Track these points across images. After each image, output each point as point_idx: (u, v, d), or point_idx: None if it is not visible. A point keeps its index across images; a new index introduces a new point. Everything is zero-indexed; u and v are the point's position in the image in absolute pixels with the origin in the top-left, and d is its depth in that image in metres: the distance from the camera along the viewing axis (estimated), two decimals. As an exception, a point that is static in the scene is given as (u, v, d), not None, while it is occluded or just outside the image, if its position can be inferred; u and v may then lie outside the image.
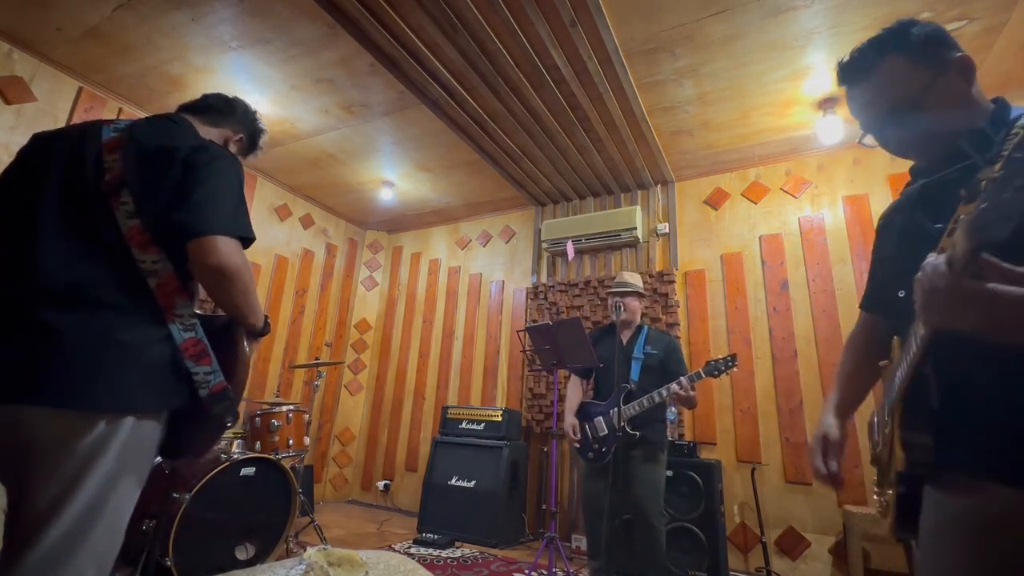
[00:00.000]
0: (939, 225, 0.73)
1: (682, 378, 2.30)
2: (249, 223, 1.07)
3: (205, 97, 1.31)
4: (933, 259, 0.63)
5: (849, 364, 1.11)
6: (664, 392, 2.32)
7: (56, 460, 0.87)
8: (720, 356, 2.35)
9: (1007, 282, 0.56)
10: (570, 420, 2.56)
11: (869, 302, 1.11)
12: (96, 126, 1.09)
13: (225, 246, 0.98)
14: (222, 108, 1.30)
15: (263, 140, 1.41)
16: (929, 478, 0.78)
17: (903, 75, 0.86)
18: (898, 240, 0.94)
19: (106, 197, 0.99)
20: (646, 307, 3.72)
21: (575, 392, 2.70)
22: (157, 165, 1.02)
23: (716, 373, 2.32)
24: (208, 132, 1.24)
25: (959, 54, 0.85)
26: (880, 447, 0.88)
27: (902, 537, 0.87)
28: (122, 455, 0.92)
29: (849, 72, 0.94)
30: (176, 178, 1.01)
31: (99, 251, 0.97)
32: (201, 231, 0.97)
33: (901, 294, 0.83)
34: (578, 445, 2.49)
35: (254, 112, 1.38)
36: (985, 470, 0.70)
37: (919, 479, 0.79)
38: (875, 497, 0.95)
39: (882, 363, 0.91)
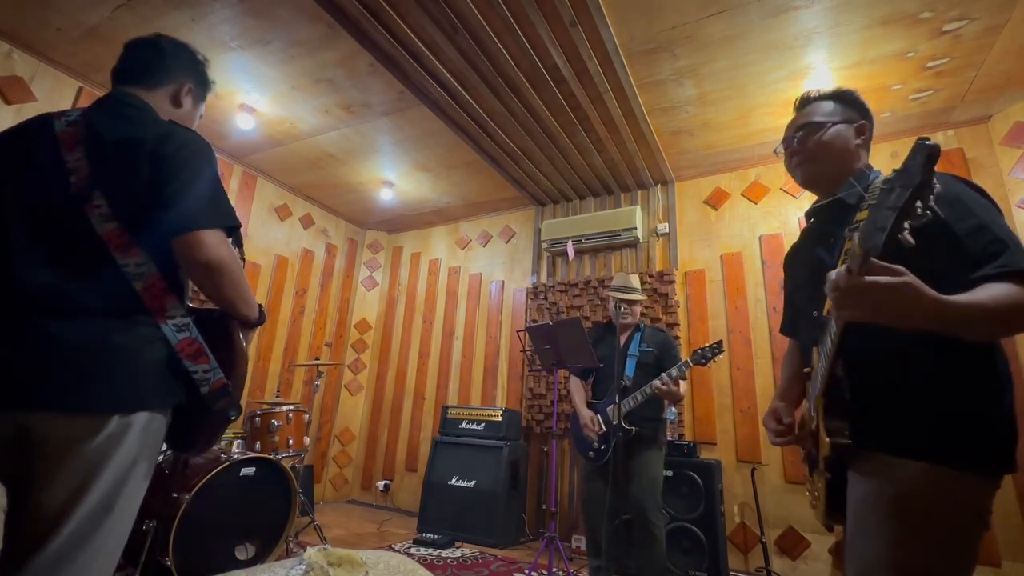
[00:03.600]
0: (833, 258, 1.04)
1: (663, 374, 2.36)
2: (231, 209, 1.02)
3: (130, 52, 1.15)
4: (837, 270, 0.81)
5: (783, 380, 1.32)
6: (648, 389, 2.38)
7: (65, 463, 0.87)
8: (706, 344, 2.41)
9: (884, 269, 0.76)
10: (587, 412, 2.56)
11: (787, 328, 1.34)
12: (46, 120, 1.01)
13: (210, 239, 0.95)
14: (154, 63, 1.14)
15: (208, 70, 1.25)
16: (850, 460, 0.95)
17: (823, 111, 1.17)
18: (806, 272, 1.17)
19: (78, 201, 0.94)
20: (646, 307, 3.73)
21: (578, 391, 2.72)
22: (125, 161, 0.96)
23: (704, 361, 2.37)
24: (158, 99, 1.12)
25: (864, 123, 1.16)
26: (809, 443, 1.09)
27: (831, 523, 1.05)
28: (130, 455, 0.92)
29: (800, 102, 1.23)
30: (147, 173, 0.96)
31: (79, 258, 0.94)
32: (184, 227, 0.94)
33: (815, 314, 1.03)
34: (596, 437, 2.49)
35: (185, 46, 1.20)
36: (889, 447, 0.90)
37: (843, 463, 0.96)
38: (807, 493, 1.14)
39: (806, 369, 1.10)
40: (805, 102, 1.21)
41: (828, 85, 2.95)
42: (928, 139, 0.70)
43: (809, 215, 1.23)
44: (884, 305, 0.77)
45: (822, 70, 2.83)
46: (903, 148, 3.34)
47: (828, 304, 0.96)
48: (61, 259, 0.94)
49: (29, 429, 0.87)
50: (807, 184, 1.20)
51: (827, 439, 0.96)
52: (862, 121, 1.15)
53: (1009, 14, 2.40)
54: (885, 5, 2.39)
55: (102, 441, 0.89)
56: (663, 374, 2.36)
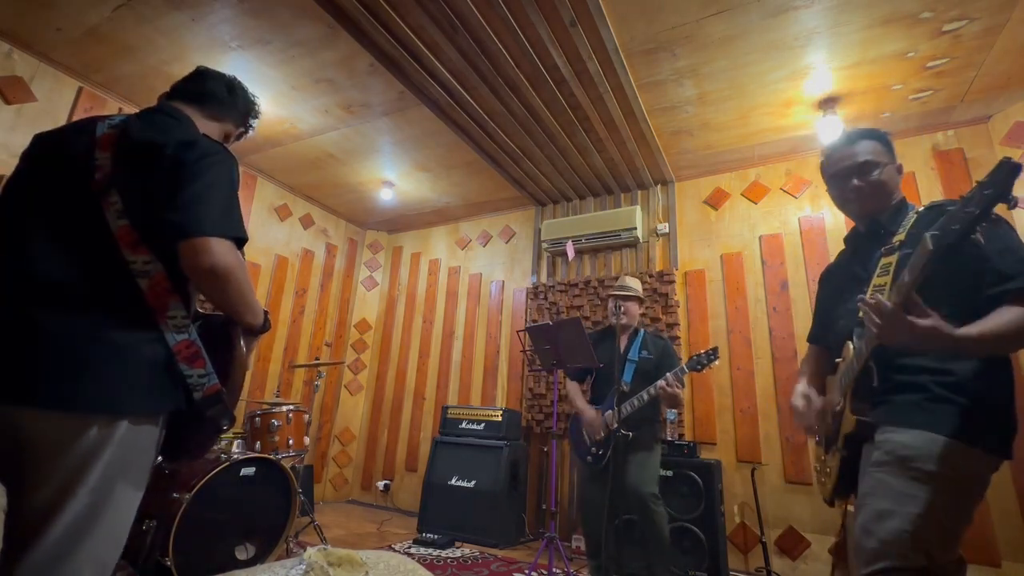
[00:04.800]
0: (866, 271, 1.24)
1: (668, 374, 2.35)
2: (241, 222, 1.03)
3: (203, 79, 1.23)
4: (878, 298, 1.01)
5: (806, 376, 1.47)
6: (652, 390, 2.37)
7: (52, 463, 0.86)
8: (702, 350, 2.40)
9: (922, 314, 0.96)
10: (592, 411, 2.55)
11: (817, 338, 1.50)
12: (92, 122, 1.06)
13: (217, 247, 0.94)
14: (224, 98, 1.23)
15: (256, 122, 1.36)
16: (868, 436, 1.12)
17: (877, 150, 1.30)
18: (839, 284, 1.38)
19: (96, 197, 0.97)
20: (646, 307, 3.72)
21: (578, 393, 2.71)
22: (144, 162, 0.99)
23: (699, 367, 2.36)
24: (208, 127, 1.18)
25: (900, 164, 1.33)
26: (830, 426, 1.25)
27: (835, 499, 1.24)
28: (119, 458, 0.90)
29: (856, 134, 1.35)
30: (164, 176, 0.97)
31: (89, 251, 0.95)
32: (191, 232, 0.93)
33: (843, 321, 1.27)
34: (600, 436, 2.49)
35: (254, 98, 1.31)
36: (907, 423, 1.06)
37: (861, 440, 1.14)
38: (816, 472, 1.30)
39: (837, 360, 1.27)
40: (854, 139, 1.33)
41: (828, 85, 2.97)
42: (1011, 158, 0.83)
43: (848, 240, 1.43)
44: (914, 340, 0.97)
45: (822, 70, 2.83)
46: (904, 148, 3.33)
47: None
48: (72, 251, 0.95)
49: (19, 427, 0.86)
50: (861, 214, 1.33)
51: (852, 416, 1.13)
52: (900, 163, 1.32)
53: (1009, 14, 2.40)
54: (885, 5, 2.39)
55: (89, 443, 0.87)
56: (667, 375, 2.36)
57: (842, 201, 1.37)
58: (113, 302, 0.94)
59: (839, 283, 1.39)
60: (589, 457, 2.50)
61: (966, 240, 0.87)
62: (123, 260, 0.95)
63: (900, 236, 1.18)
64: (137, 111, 1.12)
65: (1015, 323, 0.97)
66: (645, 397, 2.39)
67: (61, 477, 0.86)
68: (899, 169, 1.32)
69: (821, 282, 1.53)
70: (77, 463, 0.87)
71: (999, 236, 1.06)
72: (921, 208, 1.22)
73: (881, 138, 1.32)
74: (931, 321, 0.94)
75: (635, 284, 2.80)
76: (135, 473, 0.95)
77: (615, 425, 2.31)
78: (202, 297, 1.10)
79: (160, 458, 1.05)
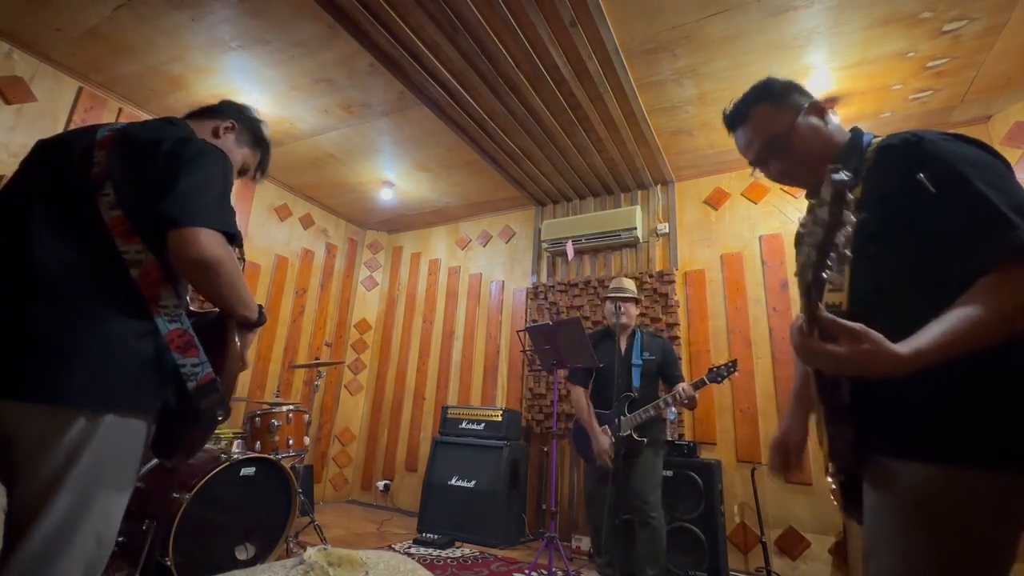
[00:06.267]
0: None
1: (685, 386, 2.39)
2: (232, 218, 1.04)
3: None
4: (798, 322, 0.76)
5: (799, 376, 1.23)
6: (669, 399, 2.40)
7: (37, 458, 0.85)
8: (722, 362, 2.45)
9: (837, 328, 0.70)
10: (604, 440, 2.48)
11: None
12: (92, 127, 1.10)
13: (206, 237, 0.95)
14: (211, 107, 1.32)
15: (264, 130, 1.37)
16: (858, 467, 0.87)
17: (770, 119, 1.06)
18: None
19: (91, 190, 0.99)
20: (646, 307, 3.73)
21: (586, 406, 2.65)
22: (141, 157, 1.02)
23: (719, 379, 2.41)
24: (200, 127, 1.24)
25: (812, 99, 1.07)
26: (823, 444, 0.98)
27: (851, 517, 0.97)
28: (105, 454, 0.90)
29: (730, 121, 1.13)
30: (159, 168, 0.99)
31: (82, 242, 0.96)
32: (181, 222, 0.94)
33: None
34: (610, 462, 2.45)
35: (242, 104, 1.37)
36: (897, 450, 0.80)
37: (853, 468, 0.88)
38: (829, 482, 1.01)
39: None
40: (733, 126, 1.10)
41: (828, 85, 2.97)
42: (839, 168, 0.63)
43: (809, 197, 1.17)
44: (843, 369, 0.72)
45: (822, 70, 2.83)
46: (903, 148, 3.34)
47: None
48: (67, 244, 0.96)
49: (7, 423, 0.86)
50: (807, 184, 1.12)
51: (829, 448, 0.89)
52: (808, 102, 1.05)
53: (1009, 14, 2.40)
54: (885, 5, 2.39)
55: (73, 438, 0.87)
56: (680, 389, 2.38)
57: (786, 184, 1.12)
58: (106, 292, 0.95)
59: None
60: (599, 462, 2.51)
61: (820, 279, 0.68)
62: (116, 250, 0.96)
63: (857, 191, 0.88)
64: (141, 117, 1.16)
65: (964, 328, 0.70)
66: (662, 405, 2.42)
67: (47, 472, 0.85)
68: (815, 109, 1.03)
69: (796, 246, 1.23)
70: (63, 458, 0.86)
71: (961, 184, 0.79)
72: (879, 141, 0.95)
73: (761, 97, 1.06)
74: (861, 347, 0.68)
75: (631, 285, 2.83)
76: (122, 469, 0.94)
77: (628, 432, 2.33)
78: (202, 298, 1.11)
79: (155, 457, 1.05)
